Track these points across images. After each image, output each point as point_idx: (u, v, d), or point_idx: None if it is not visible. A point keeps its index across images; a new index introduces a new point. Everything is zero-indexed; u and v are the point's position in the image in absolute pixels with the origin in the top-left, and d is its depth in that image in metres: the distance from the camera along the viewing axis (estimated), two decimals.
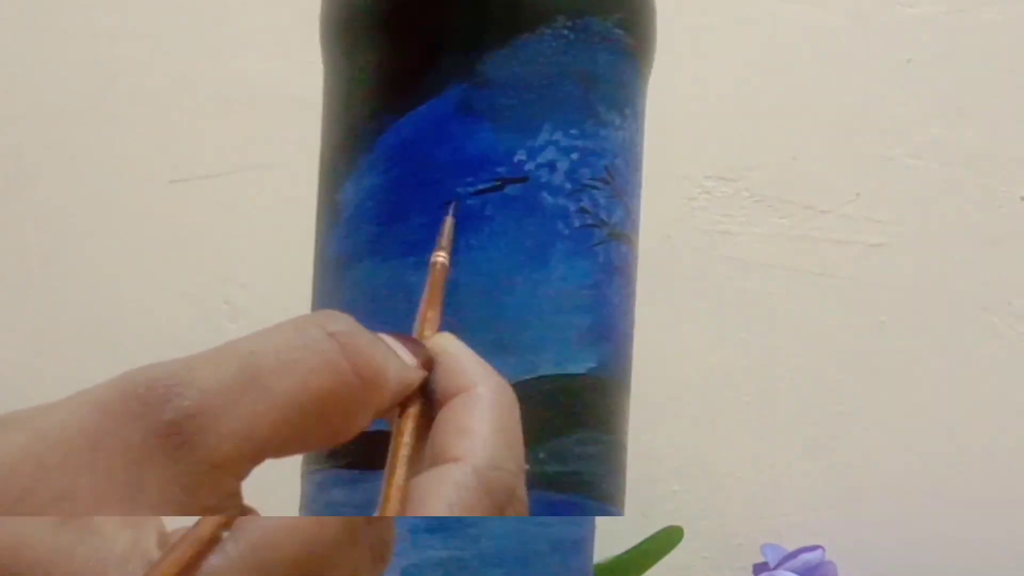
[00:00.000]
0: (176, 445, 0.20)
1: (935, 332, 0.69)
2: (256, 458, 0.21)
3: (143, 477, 0.20)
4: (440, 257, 0.31)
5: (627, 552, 0.55)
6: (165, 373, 0.20)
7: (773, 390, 0.70)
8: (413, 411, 0.24)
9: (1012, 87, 0.69)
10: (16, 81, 0.74)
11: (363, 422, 0.23)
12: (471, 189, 0.32)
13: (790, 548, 0.59)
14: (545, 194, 0.33)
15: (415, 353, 0.24)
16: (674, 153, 0.70)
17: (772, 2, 0.70)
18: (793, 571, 0.57)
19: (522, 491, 0.23)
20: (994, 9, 0.69)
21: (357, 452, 0.31)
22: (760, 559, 0.59)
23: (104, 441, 0.20)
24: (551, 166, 0.33)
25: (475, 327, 0.32)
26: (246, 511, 0.21)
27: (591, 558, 0.38)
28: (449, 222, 0.32)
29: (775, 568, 0.58)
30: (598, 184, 0.34)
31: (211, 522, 0.21)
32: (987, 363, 0.69)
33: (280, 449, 0.21)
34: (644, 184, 0.70)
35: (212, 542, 0.20)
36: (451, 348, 0.25)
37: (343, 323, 0.22)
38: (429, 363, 0.25)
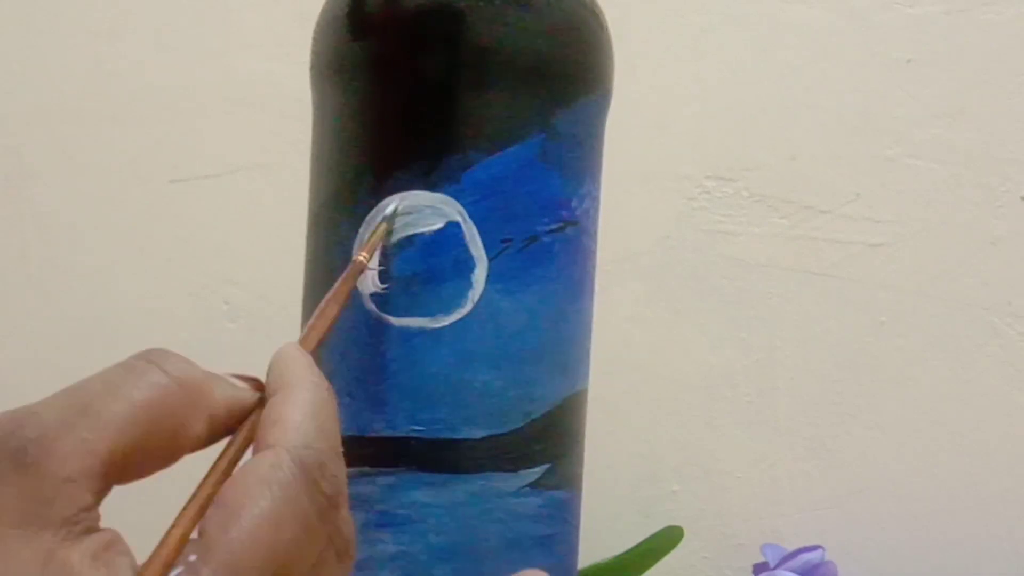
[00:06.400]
0: (25, 464, 0.23)
1: (935, 332, 0.69)
2: (105, 473, 0.23)
3: (1, 495, 0.22)
4: (362, 256, 0.34)
5: (627, 552, 0.55)
6: (11, 414, 0.24)
7: (773, 390, 0.70)
8: (249, 421, 0.27)
9: (1012, 87, 0.69)
10: (16, 81, 0.74)
11: (197, 429, 0.25)
12: (545, 228, 0.37)
13: (790, 548, 0.59)
14: (584, 237, 0.38)
15: (244, 379, 0.27)
16: (674, 153, 0.70)
17: (772, 2, 0.70)
18: (793, 571, 0.57)
19: (337, 469, 0.26)
20: (994, 9, 0.69)
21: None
22: (760, 559, 0.59)
23: None
24: (587, 213, 0.38)
25: (546, 349, 0.37)
26: (108, 533, 0.23)
27: (563, 557, 0.38)
28: (383, 228, 0.34)
29: (775, 568, 0.58)
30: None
31: (168, 551, 0.23)
32: (987, 363, 0.69)
33: (125, 464, 0.24)
34: (645, 184, 0.70)
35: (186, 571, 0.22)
36: (281, 356, 0.28)
37: (162, 352, 0.26)
38: (260, 386, 0.28)
